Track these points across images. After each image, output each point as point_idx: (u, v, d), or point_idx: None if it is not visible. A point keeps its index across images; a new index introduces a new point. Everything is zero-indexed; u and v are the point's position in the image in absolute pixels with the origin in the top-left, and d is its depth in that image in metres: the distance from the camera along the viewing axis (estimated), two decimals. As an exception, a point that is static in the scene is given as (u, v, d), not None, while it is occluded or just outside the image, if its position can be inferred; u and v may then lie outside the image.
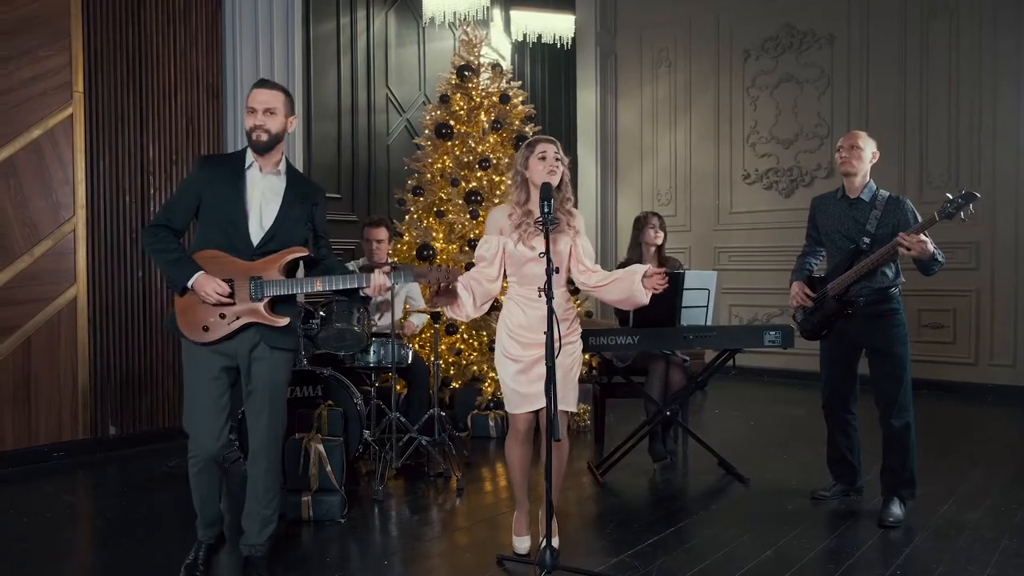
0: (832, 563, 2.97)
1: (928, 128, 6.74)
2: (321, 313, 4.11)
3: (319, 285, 2.74)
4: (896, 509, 3.41)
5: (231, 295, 2.67)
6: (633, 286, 2.91)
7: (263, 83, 2.81)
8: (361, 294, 2.81)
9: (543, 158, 2.91)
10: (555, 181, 2.88)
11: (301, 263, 2.87)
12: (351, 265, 4.89)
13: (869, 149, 3.53)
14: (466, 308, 2.93)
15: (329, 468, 3.51)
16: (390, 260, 4.78)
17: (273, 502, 2.88)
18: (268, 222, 2.75)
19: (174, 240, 2.75)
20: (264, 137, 2.72)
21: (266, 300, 2.71)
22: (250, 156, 2.79)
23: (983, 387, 6.46)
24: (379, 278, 2.72)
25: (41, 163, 4.51)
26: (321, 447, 3.53)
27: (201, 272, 2.65)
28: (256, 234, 2.74)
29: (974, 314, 6.57)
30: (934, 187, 6.61)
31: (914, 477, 3.46)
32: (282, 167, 2.83)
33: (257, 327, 2.73)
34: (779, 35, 7.55)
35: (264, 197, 2.77)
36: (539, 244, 2.79)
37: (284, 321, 2.73)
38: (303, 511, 3.48)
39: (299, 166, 5.65)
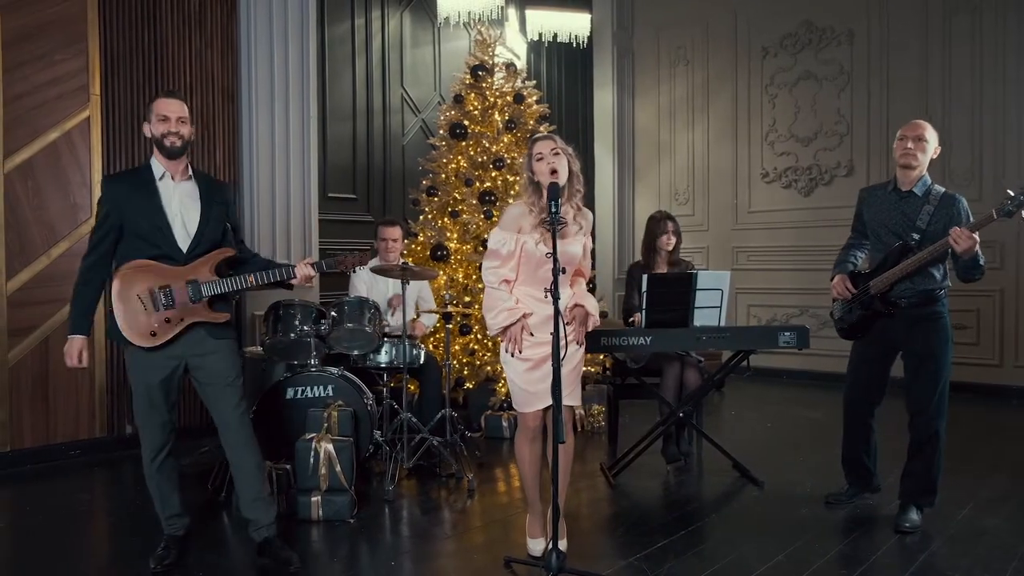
0: (846, 569, 2.92)
1: (951, 125, 6.60)
2: (332, 313, 4.12)
3: (251, 280, 2.94)
4: (913, 515, 3.33)
5: (172, 303, 2.83)
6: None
7: (170, 94, 3.02)
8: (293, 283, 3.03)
9: (540, 158, 2.92)
10: (562, 179, 2.86)
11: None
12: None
13: (934, 142, 3.34)
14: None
15: (339, 468, 3.52)
16: (402, 260, 4.79)
17: (265, 480, 3.07)
18: (193, 227, 2.91)
19: (95, 289, 2.91)
20: (179, 143, 2.91)
21: (205, 300, 2.89)
22: (159, 167, 2.93)
23: (1008, 389, 6.33)
24: (304, 269, 2.97)
25: (58, 165, 4.56)
26: (331, 447, 3.54)
27: (79, 337, 2.85)
28: (183, 240, 2.90)
29: (998, 314, 6.44)
30: (957, 185, 6.47)
31: (936, 485, 3.38)
32: (190, 172, 3.00)
33: (201, 325, 2.91)
34: (798, 32, 7.45)
35: (183, 204, 2.92)
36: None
37: (225, 317, 2.96)
38: (313, 511, 3.49)
39: (315, 167, 5.68)
